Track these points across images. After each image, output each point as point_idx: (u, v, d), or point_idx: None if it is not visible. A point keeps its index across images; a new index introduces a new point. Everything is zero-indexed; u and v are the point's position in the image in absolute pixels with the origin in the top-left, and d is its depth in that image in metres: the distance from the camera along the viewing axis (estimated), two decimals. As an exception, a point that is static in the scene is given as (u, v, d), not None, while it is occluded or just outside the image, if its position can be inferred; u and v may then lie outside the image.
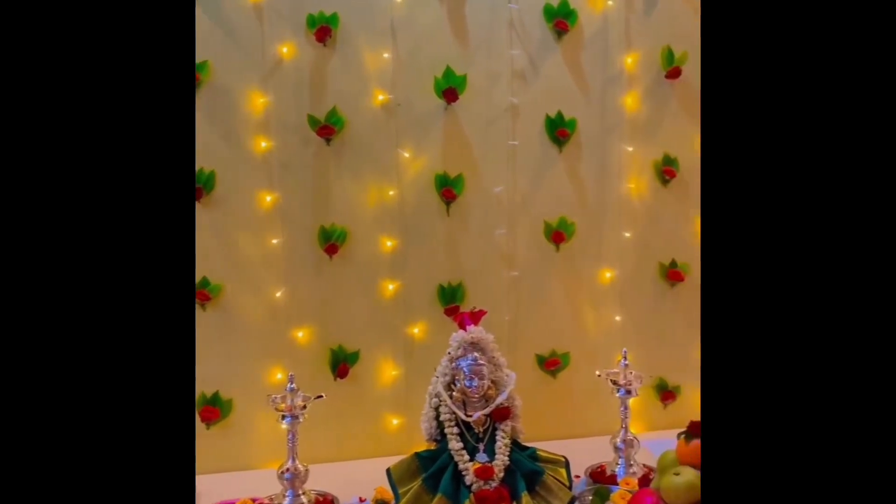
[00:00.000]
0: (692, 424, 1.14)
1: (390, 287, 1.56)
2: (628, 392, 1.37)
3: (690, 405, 1.73)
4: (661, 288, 1.69)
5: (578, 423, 1.67)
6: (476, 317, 1.36)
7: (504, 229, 1.60)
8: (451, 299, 1.58)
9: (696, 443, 1.13)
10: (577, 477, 1.41)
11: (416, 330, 1.58)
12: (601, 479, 1.37)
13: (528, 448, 1.34)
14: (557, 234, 1.62)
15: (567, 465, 1.34)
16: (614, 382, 1.38)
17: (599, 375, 1.40)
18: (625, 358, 1.39)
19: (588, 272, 1.66)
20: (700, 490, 1.09)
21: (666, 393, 1.70)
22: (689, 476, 1.09)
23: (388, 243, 1.55)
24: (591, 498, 1.28)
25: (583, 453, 1.50)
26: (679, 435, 1.18)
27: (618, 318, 1.67)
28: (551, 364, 1.64)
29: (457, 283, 1.59)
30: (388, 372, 1.57)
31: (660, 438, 1.63)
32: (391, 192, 1.54)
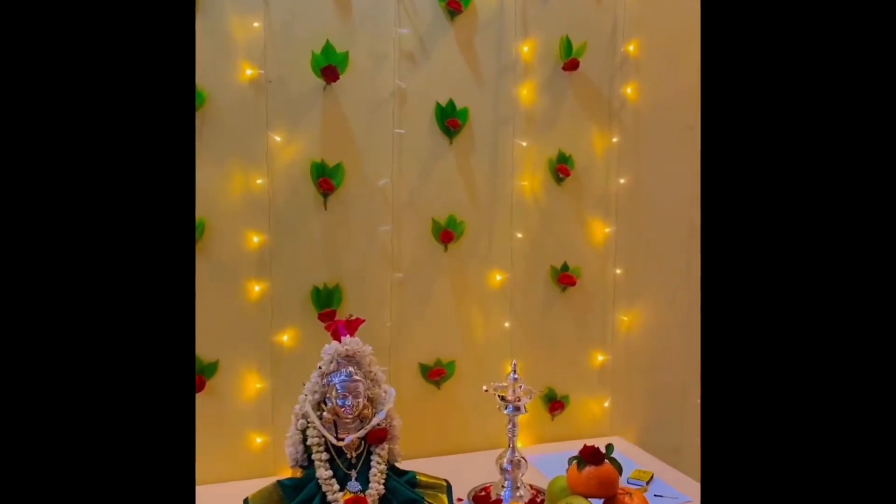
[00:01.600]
0: (586, 450, 1.04)
1: (256, 288, 1.38)
2: (517, 409, 1.26)
3: (579, 416, 1.65)
4: (552, 292, 1.60)
5: (463, 438, 1.55)
6: (352, 326, 1.20)
7: (388, 226, 1.45)
8: (326, 303, 1.42)
9: (590, 470, 1.03)
10: (460, 500, 1.29)
11: (286, 338, 1.40)
12: (485, 503, 1.25)
13: (406, 473, 1.21)
14: (446, 233, 1.48)
15: (449, 489, 1.22)
16: (502, 398, 1.26)
17: (486, 390, 1.28)
18: (514, 371, 1.28)
19: (477, 274, 1.54)
20: (592, 523, 0.99)
21: (554, 403, 1.62)
22: (582, 508, 0.99)
23: (255, 238, 1.37)
24: (473, 528, 1.16)
25: (467, 472, 1.39)
26: (571, 460, 1.08)
27: (507, 324, 1.56)
28: (435, 374, 1.51)
29: (333, 284, 1.42)
30: (252, 385, 1.39)
31: (547, 452, 1.54)
32: (259, 181, 1.36)
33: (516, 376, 1.28)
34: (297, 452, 1.16)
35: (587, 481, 1.01)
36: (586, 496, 1.01)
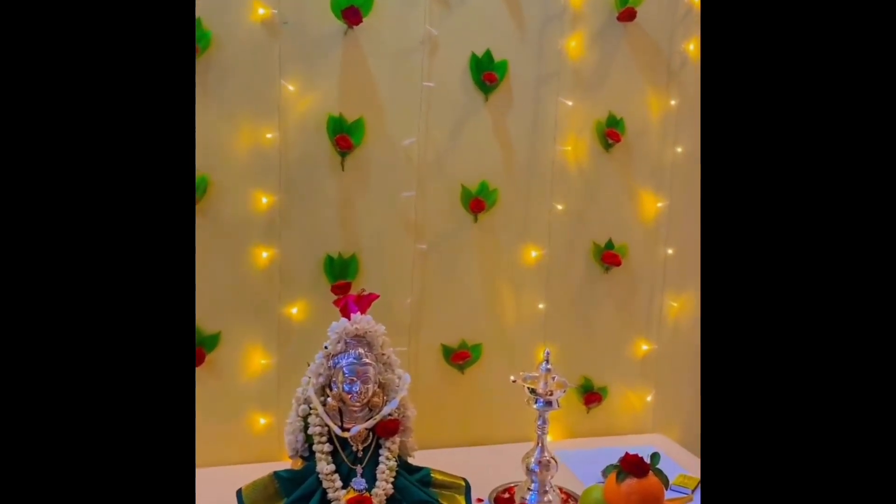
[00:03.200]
0: (628, 459, 0.89)
1: (264, 255, 1.24)
2: (548, 403, 1.11)
3: (618, 410, 1.49)
4: (594, 272, 1.44)
5: (488, 429, 1.41)
6: (364, 302, 1.06)
7: (412, 192, 1.30)
8: (340, 274, 1.28)
9: (631, 483, 0.87)
10: (480, 501, 1.15)
11: (295, 310, 1.27)
12: (508, 507, 1.11)
13: (420, 469, 1.07)
14: (476, 202, 1.33)
15: (467, 490, 1.08)
16: (532, 391, 1.11)
17: (514, 381, 1.13)
18: (547, 360, 1.12)
19: (510, 249, 1.38)
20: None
21: (591, 395, 1.46)
22: (621, 529, 0.84)
23: (264, 199, 1.23)
24: (493, 537, 1.02)
25: (490, 467, 1.25)
26: (608, 469, 0.92)
27: (541, 305, 1.40)
28: (459, 357, 1.36)
29: (349, 254, 1.28)
30: (257, 360, 1.26)
31: (580, 449, 1.40)
32: (269, 135, 1.21)
33: (549, 366, 1.12)
34: (298, 441, 1.03)
35: (627, 496, 0.86)
36: (625, 513, 0.86)
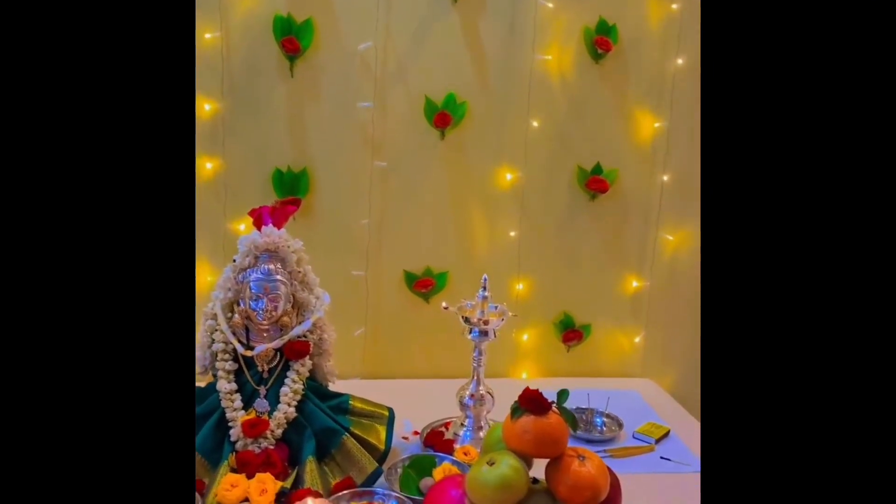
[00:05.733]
0: (526, 394, 0.78)
1: (208, 166, 1.18)
2: (484, 334, 1.01)
3: (603, 350, 1.37)
4: (577, 199, 1.30)
5: (454, 361, 1.31)
6: (279, 215, 0.98)
7: (369, 102, 1.20)
8: (290, 190, 1.20)
9: (526, 421, 0.77)
10: (416, 433, 1.08)
11: (242, 227, 1.21)
12: (436, 442, 1.02)
13: (339, 396, 1.00)
14: (442, 116, 1.21)
15: (390, 420, 1.00)
16: (466, 320, 1.01)
17: (447, 308, 1.03)
18: (484, 287, 1.02)
19: (481, 170, 1.26)
20: (518, 489, 0.74)
21: (571, 332, 1.34)
22: (504, 469, 0.74)
23: (206, 107, 1.16)
24: (400, 470, 0.93)
25: (444, 400, 1.17)
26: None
27: (513, 233, 1.28)
28: (423, 284, 1.27)
29: (300, 168, 1.20)
30: (203, 277, 1.22)
31: (553, 388, 1.28)
32: (208, 35, 1.14)
33: (486, 294, 1.02)
34: (206, 358, 0.97)
35: (520, 436, 0.75)
36: (520, 454, 0.76)
